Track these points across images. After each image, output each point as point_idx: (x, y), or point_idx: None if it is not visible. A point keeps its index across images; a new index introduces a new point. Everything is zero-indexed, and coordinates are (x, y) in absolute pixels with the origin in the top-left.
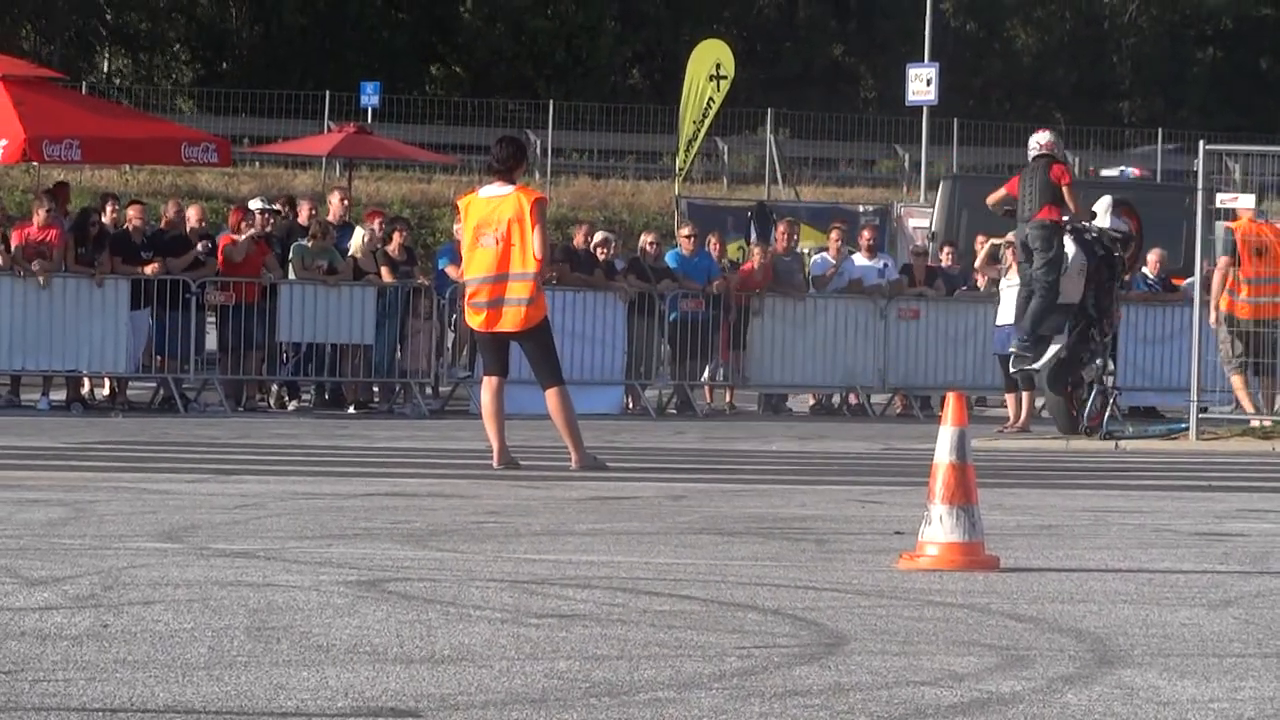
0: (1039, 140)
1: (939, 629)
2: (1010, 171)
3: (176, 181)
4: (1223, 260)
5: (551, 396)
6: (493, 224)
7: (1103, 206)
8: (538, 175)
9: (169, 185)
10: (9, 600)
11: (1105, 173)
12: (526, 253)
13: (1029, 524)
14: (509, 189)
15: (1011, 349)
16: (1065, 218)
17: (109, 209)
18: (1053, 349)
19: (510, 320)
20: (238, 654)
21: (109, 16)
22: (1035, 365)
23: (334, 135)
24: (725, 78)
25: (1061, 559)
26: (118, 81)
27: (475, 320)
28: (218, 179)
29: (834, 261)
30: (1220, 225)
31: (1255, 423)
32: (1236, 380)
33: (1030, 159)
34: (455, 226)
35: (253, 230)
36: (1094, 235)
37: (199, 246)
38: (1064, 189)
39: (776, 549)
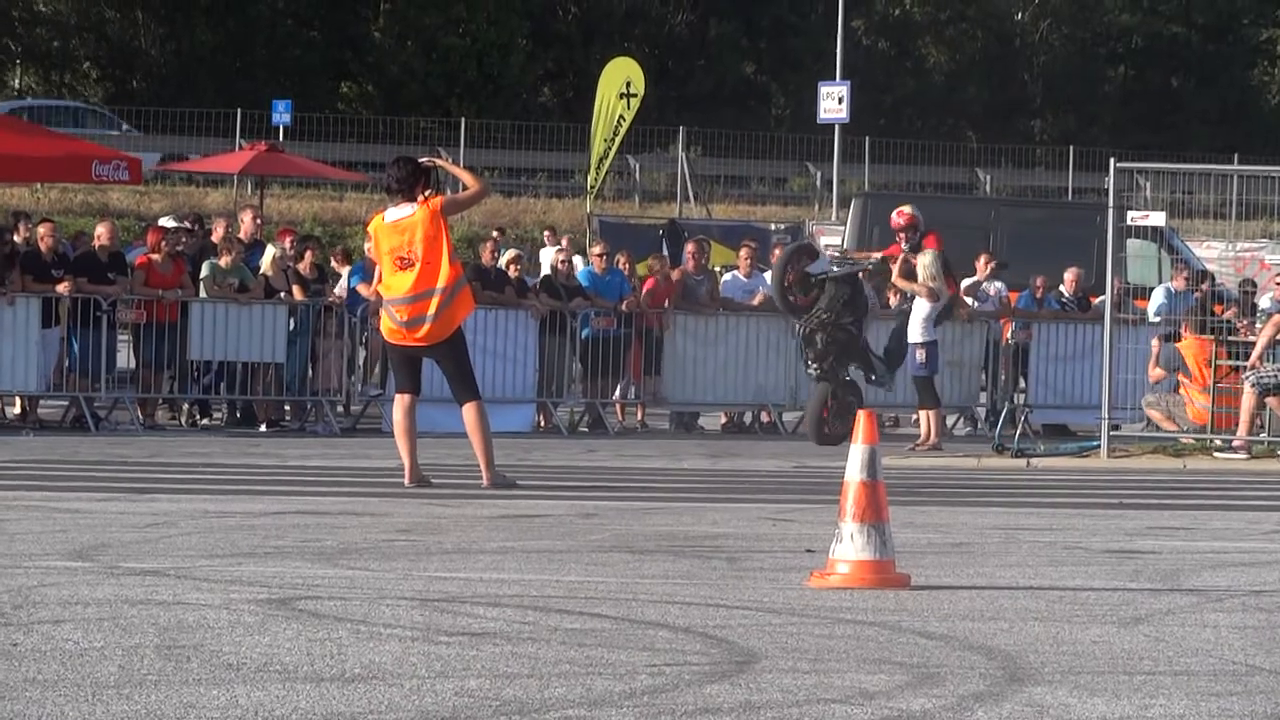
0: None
1: (850, 647)
2: (922, 190)
3: (88, 199)
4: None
5: (469, 411)
6: (404, 247)
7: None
8: (449, 193)
9: (80, 203)
10: None
11: None
12: (441, 267)
13: (940, 542)
14: (413, 207)
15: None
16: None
17: (21, 228)
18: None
19: (426, 333)
20: (148, 673)
21: (19, 32)
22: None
23: (245, 153)
24: (635, 95)
25: (972, 576)
26: (28, 99)
27: (393, 336)
28: (129, 197)
29: (749, 284)
30: (1169, 345)
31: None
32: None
33: None
34: (366, 245)
35: (180, 247)
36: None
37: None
38: None
39: (687, 567)
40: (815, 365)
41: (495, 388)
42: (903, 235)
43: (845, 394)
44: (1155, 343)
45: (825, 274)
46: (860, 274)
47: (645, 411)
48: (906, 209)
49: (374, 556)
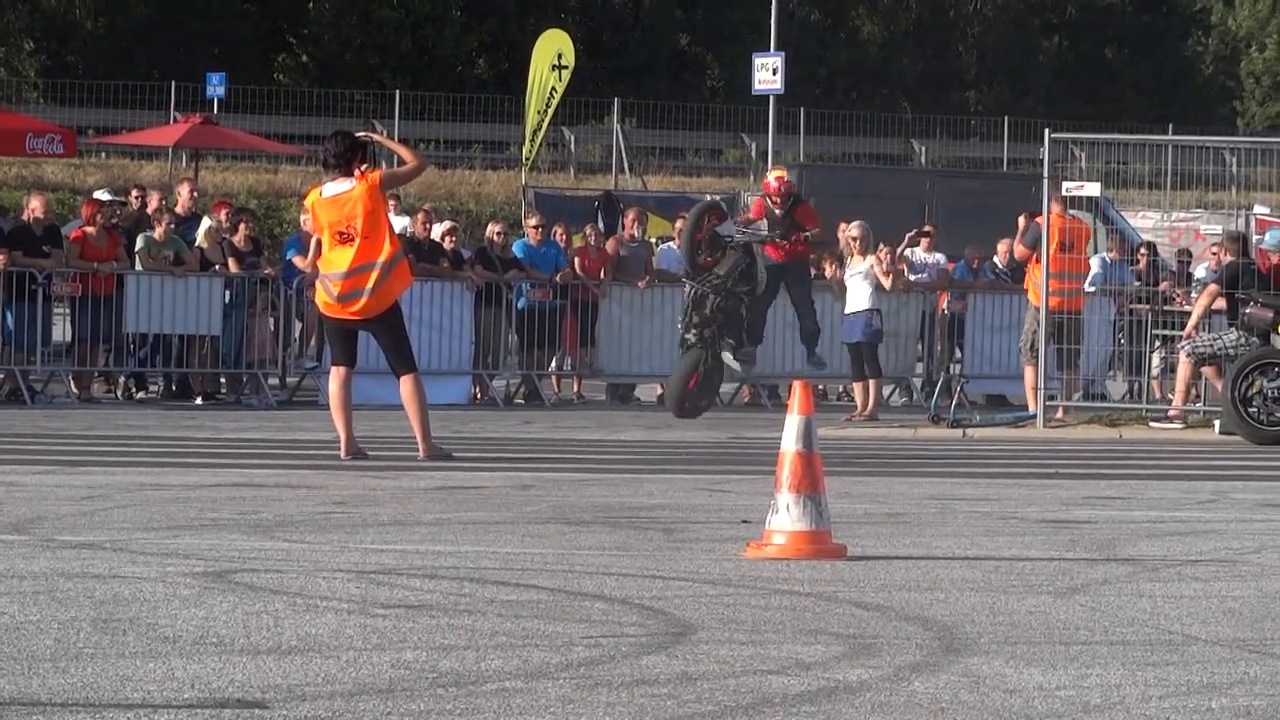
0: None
1: (786, 618)
2: (857, 161)
3: (22, 172)
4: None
5: (406, 383)
6: (344, 221)
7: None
8: (384, 166)
9: (14, 176)
10: None
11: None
12: (383, 242)
13: (876, 512)
14: (351, 182)
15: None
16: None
17: None
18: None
19: (363, 306)
20: (84, 646)
21: None
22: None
23: (180, 126)
24: (566, 67)
25: (908, 547)
26: None
27: (329, 310)
28: (63, 170)
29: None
30: (1034, 221)
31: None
32: (1030, 372)
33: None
34: (303, 218)
35: (115, 219)
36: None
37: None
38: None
39: (624, 538)
40: (695, 331)
41: (431, 360)
42: (778, 200)
43: (715, 367)
44: (1022, 220)
45: (730, 238)
46: (761, 245)
47: (581, 383)
48: (786, 174)
49: (310, 529)
